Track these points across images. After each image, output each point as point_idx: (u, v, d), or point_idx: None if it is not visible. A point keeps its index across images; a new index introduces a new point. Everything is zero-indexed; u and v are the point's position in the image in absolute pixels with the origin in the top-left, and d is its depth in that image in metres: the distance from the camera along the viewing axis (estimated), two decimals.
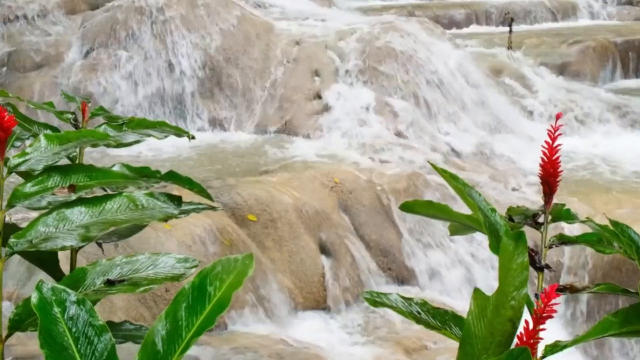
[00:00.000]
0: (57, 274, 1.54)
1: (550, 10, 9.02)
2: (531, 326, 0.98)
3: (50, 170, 1.42)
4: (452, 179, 1.30)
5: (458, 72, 5.53)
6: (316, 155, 4.53)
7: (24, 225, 1.38)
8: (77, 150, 1.63)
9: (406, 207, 1.41)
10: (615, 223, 1.32)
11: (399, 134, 4.85)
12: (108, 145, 1.57)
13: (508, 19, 7.67)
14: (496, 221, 1.27)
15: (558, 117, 1.26)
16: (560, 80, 6.65)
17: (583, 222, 1.36)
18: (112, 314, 2.88)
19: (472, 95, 5.48)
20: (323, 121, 4.96)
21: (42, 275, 1.44)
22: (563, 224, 1.41)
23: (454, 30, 8.10)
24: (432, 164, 1.45)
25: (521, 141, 5.37)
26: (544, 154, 1.24)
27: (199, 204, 1.63)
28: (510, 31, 7.21)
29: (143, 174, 1.54)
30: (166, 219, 1.46)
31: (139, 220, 1.41)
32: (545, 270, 1.28)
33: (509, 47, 7.03)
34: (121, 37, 5.35)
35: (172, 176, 1.56)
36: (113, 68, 5.28)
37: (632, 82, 7.20)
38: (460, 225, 1.40)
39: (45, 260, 1.55)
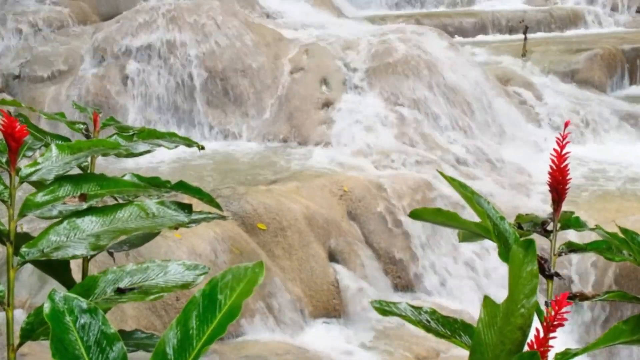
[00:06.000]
0: (68, 283, 1.55)
1: (558, 18, 9.02)
2: (542, 334, 0.98)
3: (61, 179, 1.42)
4: (460, 186, 1.31)
5: (466, 81, 5.54)
6: (325, 163, 4.54)
7: (35, 234, 1.39)
8: (89, 159, 1.64)
9: (415, 215, 1.41)
10: (624, 230, 1.31)
11: (407, 143, 4.86)
12: (119, 155, 1.58)
13: (522, 27, 7.68)
14: (505, 229, 1.27)
15: (566, 124, 1.26)
16: (568, 87, 6.64)
17: (592, 229, 1.36)
18: (123, 322, 2.89)
19: (480, 104, 5.48)
20: (332, 130, 4.97)
21: (54, 284, 1.45)
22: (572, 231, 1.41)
23: (462, 39, 8.11)
24: (440, 172, 1.46)
25: (529, 149, 5.36)
26: (553, 161, 1.24)
27: (209, 213, 1.63)
28: (525, 38, 7.22)
29: (153, 183, 1.55)
30: (177, 227, 1.46)
31: (149, 228, 1.42)
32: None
33: (523, 55, 7.03)
34: (131, 48, 5.38)
35: (182, 186, 1.57)
36: (123, 78, 5.31)
37: None
38: (470, 232, 1.40)
39: (56, 268, 1.56)
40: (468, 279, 3.97)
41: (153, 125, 5.12)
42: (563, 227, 1.36)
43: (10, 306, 1.29)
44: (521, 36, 7.41)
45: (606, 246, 1.35)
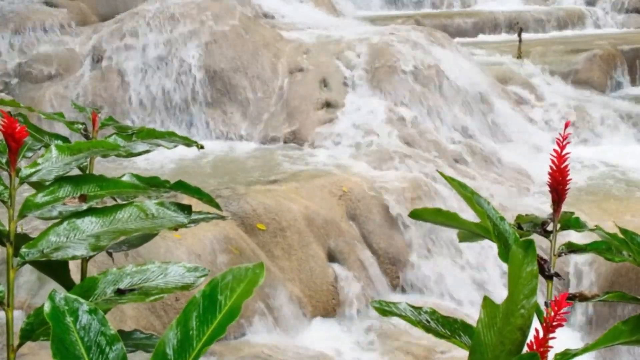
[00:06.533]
0: (67, 283, 1.55)
1: (557, 19, 9.02)
2: (541, 335, 0.98)
3: (61, 180, 1.42)
4: (460, 186, 1.30)
5: (466, 81, 5.54)
6: (324, 164, 4.54)
7: (35, 235, 1.39)
8: (88, 160, 1.64)
9: (415, 215, 1.41)
10: (624, 231, 1.31)
11: (407, 143, 4.86)
12: (118, 155, 1.58)
13: (517, 29, 7.68)
14: (505, 229, 1.27)
15: (566, 125, 1.26)
16: (567, 88, 6.64)
17: (592, 230, 1.36)
18: (122, 322, 2.89)
19: (479, 104, 5.48)
20: (331, 130, 4.97)
21: (53, 285, 1.45)
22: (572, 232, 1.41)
23: (461, 39, 8.11)
24: (440, 173, 1.46)
25: (529, 149, 5.36)
26: (553, 162, 1.24)
27: (209, 213, 1.63)
28: (520, 40, 7.22)
29: (152, 183, 1.55)
30: (176, 227, 1.46)
31: (149, 229, 1.42)
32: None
33: (519, 56, 7.04)
34: (130, 48, 5.38)
35: (181, 186, 1.57)
36: (123, 79, 5.31)
37: None
38: (469, 232, 1.40)
39: (56, 269, 1.56)
40: (467, 279, 3.97)
41: (152, 125, 5.12)
42: (563, 228, 1.36)
43: (10, 307, 1.29)
44: (522, 37, 7.42)
45: (606, 247, 1.35)
